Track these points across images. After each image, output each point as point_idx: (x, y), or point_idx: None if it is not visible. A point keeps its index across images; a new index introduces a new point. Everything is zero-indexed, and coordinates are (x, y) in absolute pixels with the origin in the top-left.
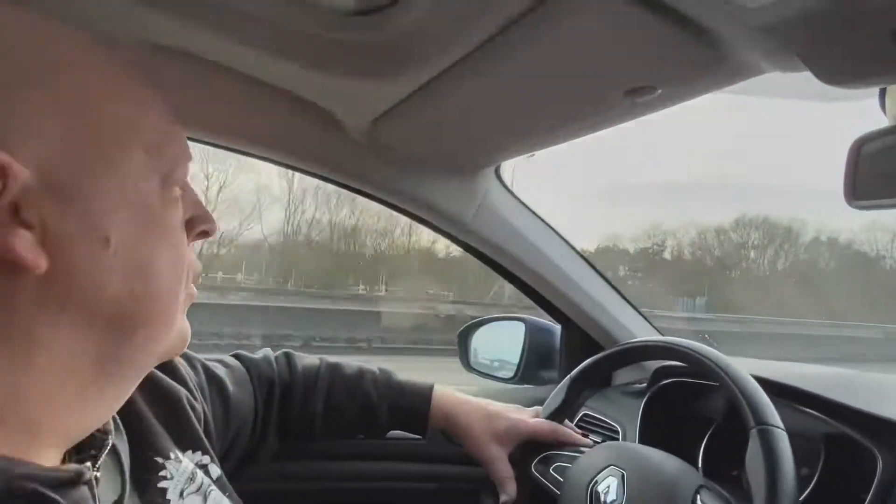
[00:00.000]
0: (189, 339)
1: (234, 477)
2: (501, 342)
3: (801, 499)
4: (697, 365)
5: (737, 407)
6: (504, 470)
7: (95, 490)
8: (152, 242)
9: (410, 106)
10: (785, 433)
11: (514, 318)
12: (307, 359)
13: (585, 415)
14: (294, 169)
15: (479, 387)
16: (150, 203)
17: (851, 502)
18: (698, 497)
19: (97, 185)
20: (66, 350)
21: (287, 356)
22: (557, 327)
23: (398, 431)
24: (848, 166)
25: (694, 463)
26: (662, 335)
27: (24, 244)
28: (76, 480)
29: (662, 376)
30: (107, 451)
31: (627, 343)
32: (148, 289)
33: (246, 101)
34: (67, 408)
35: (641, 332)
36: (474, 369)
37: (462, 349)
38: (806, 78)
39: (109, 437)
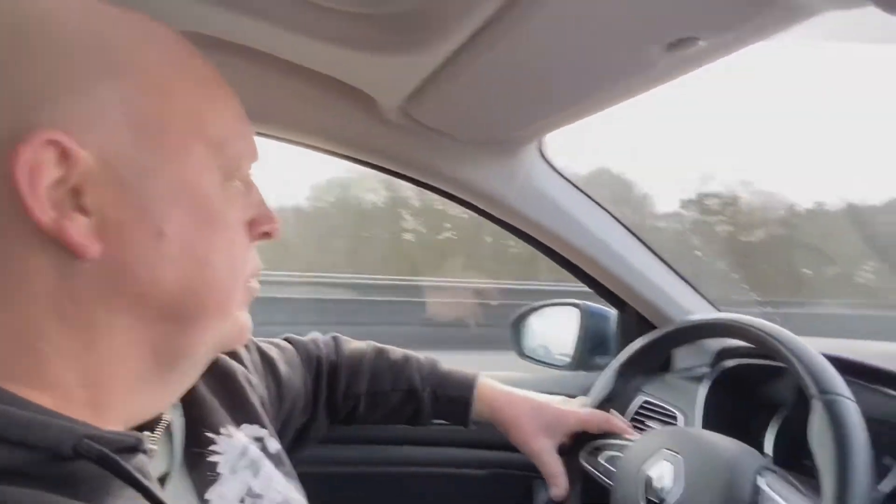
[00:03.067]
0: (249, 333)
1: (289, 457)
2: (556, 328)
3: (883, 489)
4: (755, 340)
5: (799, 381)
6: (553, 463)
7: (153, 461)
8: (209, 237)
9: (441, 80)
10: (855, 404)
11: (568, 304)
12: (354, 343)
13: (645, 402)
14: (329, 153)
15: (533, 374)
16: (209, 198)
17: None
18: (760, 479)
19: (156, 175)
20: (123, 337)
21: (335, 339)
22: (612, 311)
23: None
24: None
25: (761, 451)
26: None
27: (79, 229)
28: (136, 447)
29: (726, 358)
30: (162, 426)
31: (678, 322)
32: (203, 282)
33: (276, 85)
34: (128, 393)
35: (698, 312)
36: (528, 356)
37: (515, 336)
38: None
39: (164, 414)
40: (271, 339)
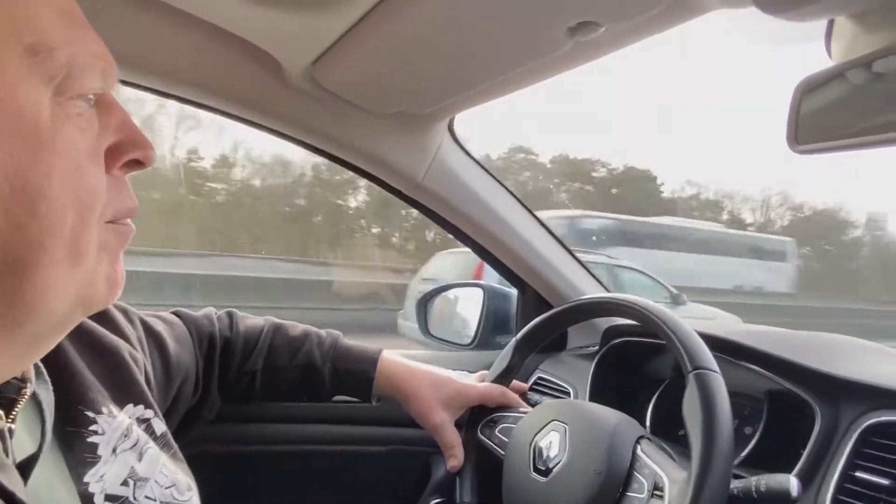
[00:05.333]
0: (120, 286)
1: (179, 437)
2: (461, 309)
3: (743, 455)
4: (639, 319)
5: (676, 356)
6: (451, 436)
7: (9, 442)
8: (39, 164)
9: (348, 46)
10: (720, 377)
11: (472, 285)
12: (251, 318)
13: (539, 378)
14: (231, 117)
15: (437, 353)
16: (32, 115)
17: (792, 457)
18: (638, 447)
19: None
20: None
21: (230, 315)
22: (514, 292)
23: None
24: (791, 110)
25: (642, 422)
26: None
27: None
28: None
29: (613, 336)
30: (24, 401)
31: (569, 302)
32: (36, 219)
33: (176, 39)
34: None
35: (593, 293)
36: (433, 335)
37: (420, 316)
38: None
39: (28, 386)
40: (158, 313)
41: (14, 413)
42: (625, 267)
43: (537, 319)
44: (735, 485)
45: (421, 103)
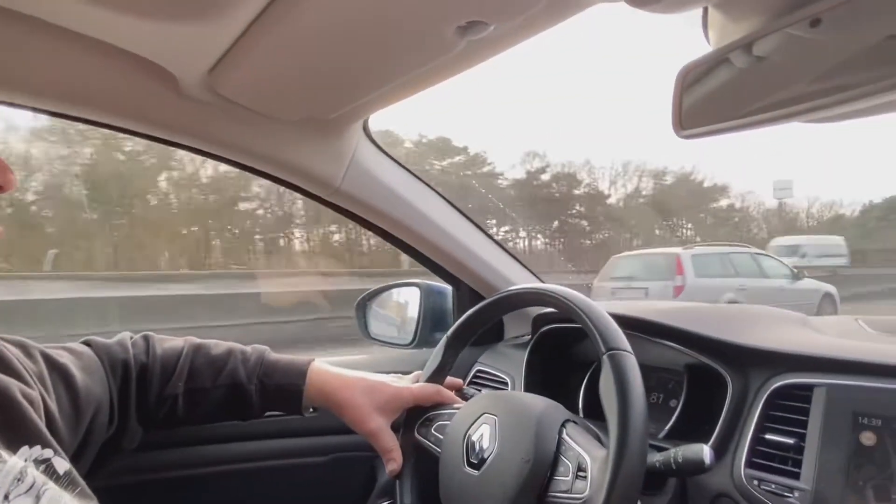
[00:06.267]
0: None
1: (98, 469)
2: (399, 309)
3: (667, 428)
4: (556, 305)
5: (591, 339)
6: (387, 440)
7: None
8: None
9: (241, 52)
10: (632, 355)
11: (408, 284)
12: (170, 341)
13: (479, 371)
14: (130, 133)
15: (377, 356)
16: None
17: (711, 427)
18: (564, 430)
19: None
20: None
21: (146, 339)
22: (449, 288)
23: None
24: (675, 97)
25: (576, 405)
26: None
27: None
28: None
29: (541, 324)
30: None
31: (495, 295)
32: None
33: (59, 56)
34: None
35: (524, 283)
36: (373, 338)
37: (360, 319)
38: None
39: None
40: (65, 345)
41: None
42: (761, 254)
43: (465, 315)
44: (656, 458)
45: (325, 108)
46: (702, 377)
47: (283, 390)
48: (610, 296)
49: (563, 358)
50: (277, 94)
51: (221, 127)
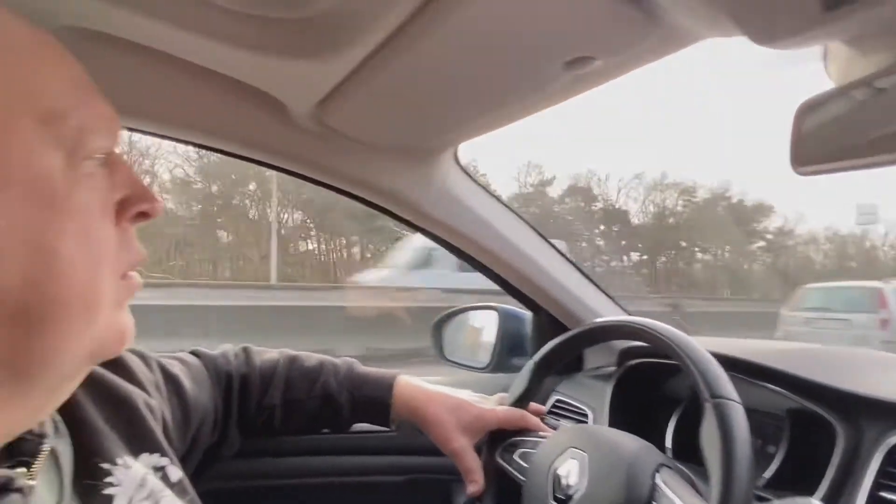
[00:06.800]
0: (130, 336)
1: (198, 475)
2: (475, 331)
3: (766, 476)
4: (654, 342)
5: (692, 382)
6: (471, 461)
7: (29, 498)
8: (54, 224)
9: (352, 86)
10: (740, 405)
11: (486, 307)
12: (267, 353)
13: (558, 400)
14: (241, 158)
15: (454, 377)
16: (48, 180)
17: (817, 477)
18: (658, 476)
19: None
20: None
21: (246, 350)
22: (528, 314)
23: (367, 425)
24: (793, 132)
25: (662, 444)
26: (629, 315)
27: None
28: (7, 486)
29: (629, 357)
30: (43, 456)
31: (586, 325)
32: (51, 276)
33: (185, 87)
34: None
35: (608, 314)
36: (449, 359)
37: (436, 340)
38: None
39: (46, 441)
40: (176, 354)
41: (34, 469)
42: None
43: (553, 342)
44: None
45: (424, 136)
46: (806, 424)
47: (372, 403)
48: (804, 325)
49: (649, 393)
50: (380, 124)
51: (321, 153)
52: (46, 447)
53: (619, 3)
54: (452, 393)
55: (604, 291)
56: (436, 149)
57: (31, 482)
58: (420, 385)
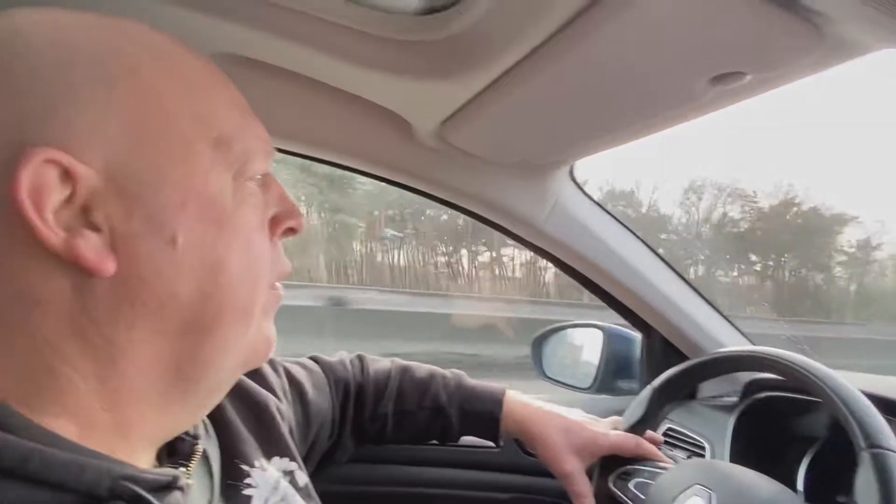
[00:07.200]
0: (274, 345)
1: (312, 478)
2: (577, 350)
3: None
4: (796, 378)
5: (844, 426)
6: (582, 485)
7: (187, 497)
8: (225, 241)
9: (478, 106)
10: None
11: (591, 325)
12: (379, 361)
13: (669, 429)
14: (365, 174)
15: (552, 395)
16: (219, 200)
17: None
18: None
19: (162, 182)
20: (144, 353)
21: (360, 359)
22: (637, 335)
23: (473, 439)
24: None
25: (793, 486)
26: (753, 344)
27: (89, 247)
28: (171, 485)
29: (756, 389)
30: (198, 457)
31: (717, 352)
32: (219, 288)
33: (316, 107)
34: (152, 412)
35: (730, 341)
36: (548, 377)
37: (536, 356)
38: None
39: (200, 442)
40: (299, 360)
41: (190, 469)
42: None
43: (677, 368)
44: None
45: (542, 153)
46: None
47: (481, 417)
48: None
49: (777, 429)
50: (501, 142)
51: (440, 169)
52: (200, 448)
53: (783, 15)
54: (564, 412)
55: (724, 317)
56: (552, 165)
57: (189, 481)
58: (529, 401)
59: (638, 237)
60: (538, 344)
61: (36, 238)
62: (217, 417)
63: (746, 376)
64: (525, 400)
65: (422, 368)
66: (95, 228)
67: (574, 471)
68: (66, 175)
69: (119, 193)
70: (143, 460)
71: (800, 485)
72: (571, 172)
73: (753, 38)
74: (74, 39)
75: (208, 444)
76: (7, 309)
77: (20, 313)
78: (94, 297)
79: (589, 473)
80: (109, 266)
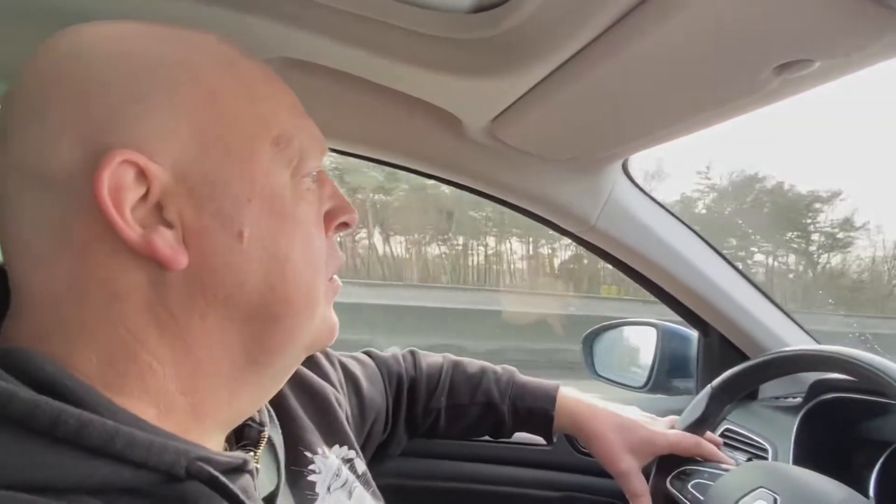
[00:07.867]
0: (337, 331)
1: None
2: (630, 348)
3: None
4: (869, 379)
5: None
6: (639, 485)
7: (256, 481)
8: (287, 234)
9: (529, 103)
10: None
11: (644, 323)
12: (431, 356)
13: (728, 429)
14: (416, 172)
15: (607, 394)
16: (281, 196)
17: None
18: None
19: (228, 180)
20: (217, 340)
21: (413, 354)
22: (693, 334)
23: (525, 435)
24: None
25: (863, 490)
26: (818, 342)
27: (164, 242)
28: (242, 468)
29: (822, 390)
30: (264, 442)
31: (781, 352)
32: (284, 280)
33: (367, 106)
34: (225, 395)
35: (793, 340)
36: (601, 375)
37: (587, 354)
38: None
39: (266, 429)
40: (353, 354)
41: (258, 454)
42: None
43: (739, 367)
44: None
45: (595, 148)
46: None
47: (534, 414)
48: None
49: (845, 432)
50: (553, 139)
51: (491, 166)
52: (266, 434)
53: None
54: (619, 410)
55: (787, 314)
56: (606, 160)
57: (257, 465)
58: (584, 399)
59: (694, 231)
60: (589, 342)
61: (115, 234)
62: (280, 406)
63: (812, 376)
64: (579, 397)
65: (473, 364)
66: (168, 225)
67: (630, 470)
68: (141, 175)
69: (189, 191)
70: (214, 444)
71: (872, 490)
72: (625, 166)
73: (822, 23)
74: (141, 49)
75: (273, 432)
76: (90, 301)
77: (102, 305)
78: (169, 288)
79: (645, 473)
80: (182, 259)
